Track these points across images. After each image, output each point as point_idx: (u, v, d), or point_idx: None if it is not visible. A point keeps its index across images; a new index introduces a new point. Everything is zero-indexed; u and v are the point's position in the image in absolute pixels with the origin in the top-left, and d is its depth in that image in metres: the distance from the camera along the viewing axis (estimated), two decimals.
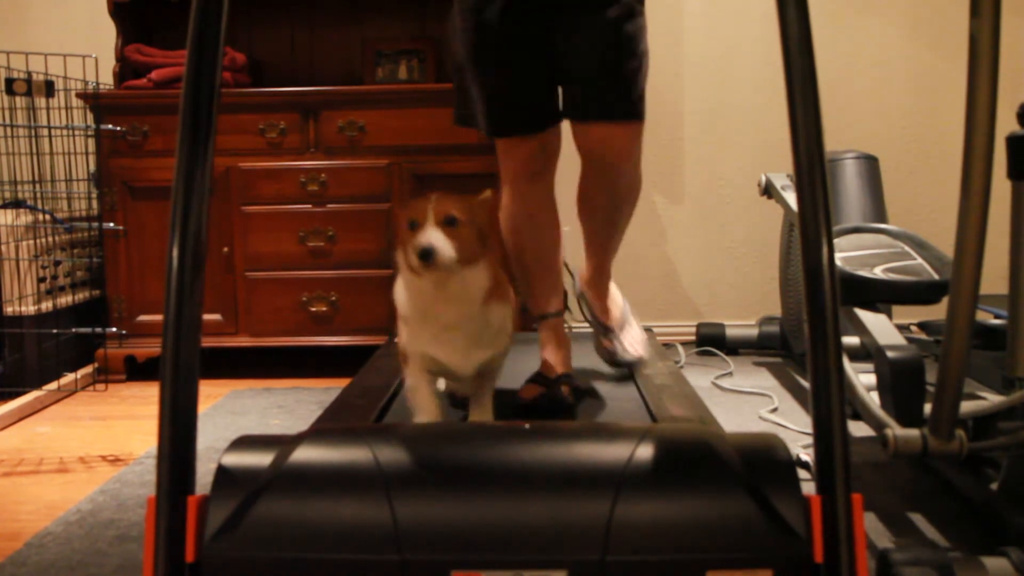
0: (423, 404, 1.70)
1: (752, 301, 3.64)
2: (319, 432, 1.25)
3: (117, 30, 3.31)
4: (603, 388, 2.19)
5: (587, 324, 2.37)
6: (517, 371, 2.06)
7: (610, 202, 2.10)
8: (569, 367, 2.08)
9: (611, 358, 2.28)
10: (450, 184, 3.14)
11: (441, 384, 1.92)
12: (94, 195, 3.23)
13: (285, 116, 3.14)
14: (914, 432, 1.62)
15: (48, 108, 3.27)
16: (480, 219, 1.58)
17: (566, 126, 2.07)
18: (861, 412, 1.99)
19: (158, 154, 3.13)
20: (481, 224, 1.58)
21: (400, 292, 1.66)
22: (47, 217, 3.15)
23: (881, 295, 2.18)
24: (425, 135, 3.12)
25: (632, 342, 2.29)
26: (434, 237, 1.49)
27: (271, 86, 3.38)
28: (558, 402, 1.97)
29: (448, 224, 1.51)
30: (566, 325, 2.45)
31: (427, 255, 1.48)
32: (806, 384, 2.89)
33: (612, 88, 1.93)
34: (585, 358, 2.35)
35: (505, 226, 2.13)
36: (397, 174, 3.14)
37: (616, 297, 2.33)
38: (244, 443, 1.22)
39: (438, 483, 1.12)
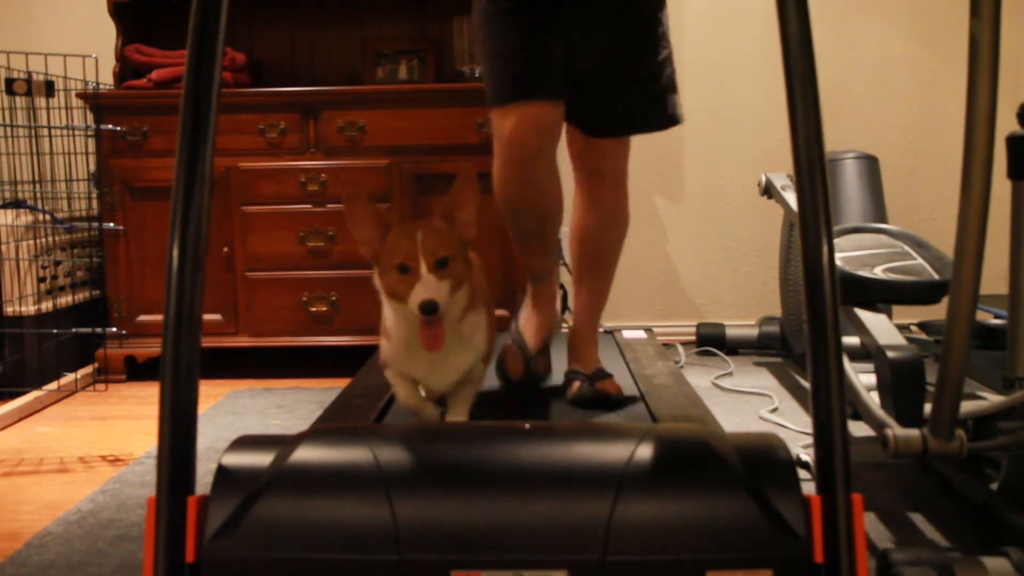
0: (404, 395, 1.75)
1: (752, 301, 3.64)
2: (319, 432, 1.25)
3: (117, 30, 3.31)
4: None
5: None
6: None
7: (605, 232, 2.11)
8: (551, 329, 2.17)
9: (579, 400, 2.04)
10: (449, 184, 3.14)
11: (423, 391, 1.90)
12: (94, 195, 3.24)
13: (285, 116, 3.13)
14: (914, 432, 1.62)
15: (48, 108, 3.27)
16: (464, 239, 1.58)
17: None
18: (861, 412, 1.99)
19: (158, 154, 3.13)
20: (466, 243, 1.58)
21: (387, 311, 1.66)
22: (47, 217, 3.15)
23: (881, 295, 2.18)
24: (425, 135, 3.12)
25: (605, 385, 2.08)
26: (433, 290, 1.48)
27: (271, 86, 3.38)
28: (536, 380, 2.09)
29: (440, 267, 1.50)
30: (565, 326, 2.45)
31: (431, 310, 1.47)
32: (806, 384, 2.89)
33: (651, 102, 2.00)
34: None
35: (500, 200, 2.03)
36: (397, 174, 3.14)
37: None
38: (244, 443, 1.22)
39: (438, 483, 1.12)
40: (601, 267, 2.15)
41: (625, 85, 2.00)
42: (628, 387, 2.18)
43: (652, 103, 2.03)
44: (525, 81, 1.92)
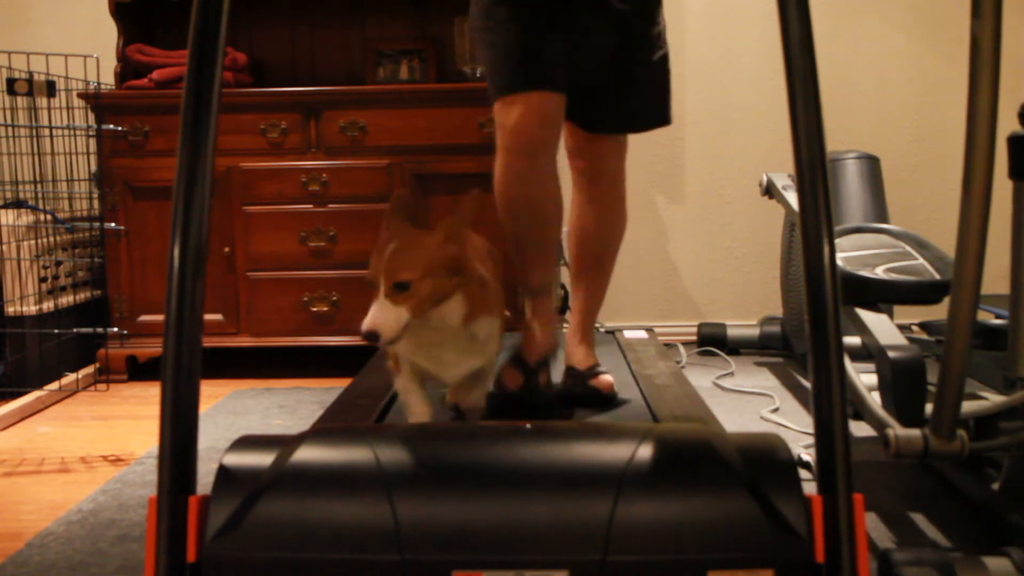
0: (414, 405, 1.73)
1: (753, 301, 3.64)
2: (320, 432, 1.25)
3: (118, 30, 3.31)
4: None
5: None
6: None
7: (603, 231, 2.14)
8: (552, 347, 2.05)
9: (567, 397, 2.12)
10: (450, 184, 3.16)
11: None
12: (95, 195, 3.24)
13: (286, 116, 3.14)
14: (915, 432, 1.62)
15: (49, 108, 3.27)
16: (450, 254, 1.51)
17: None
18: (862, 412, 1.99)
19: (159, 154, 3.13)
20: (452, 259, 1.52)
21: None
22: (48, 217, 3.15)
23: (882, 295, 2.18)
24: (426, 135, 3.12)
25: (598, 382, 2.12)
26: (379, 318, 1.43)
27: (272, 86, 3.38)
28: (536, 395, 1.99)
29: (399, 289, 1.45)
30: (564, 326, 2.45)
31: (371, 339, 1.43)
32: (807, 384, 2.88)
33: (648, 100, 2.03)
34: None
35: (501, 200, 2.01)
36: (398, 174, 3.14)
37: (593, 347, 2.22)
38: (245, 443, 1.22)
39: (439, 483, 1.12)
40: (599, 266, 2.17)
41: (624, 83, 2.01)
42: (629, 387, 2.18)
43: (648, 102, 2.05)
44: (528, 70, 1.91)
